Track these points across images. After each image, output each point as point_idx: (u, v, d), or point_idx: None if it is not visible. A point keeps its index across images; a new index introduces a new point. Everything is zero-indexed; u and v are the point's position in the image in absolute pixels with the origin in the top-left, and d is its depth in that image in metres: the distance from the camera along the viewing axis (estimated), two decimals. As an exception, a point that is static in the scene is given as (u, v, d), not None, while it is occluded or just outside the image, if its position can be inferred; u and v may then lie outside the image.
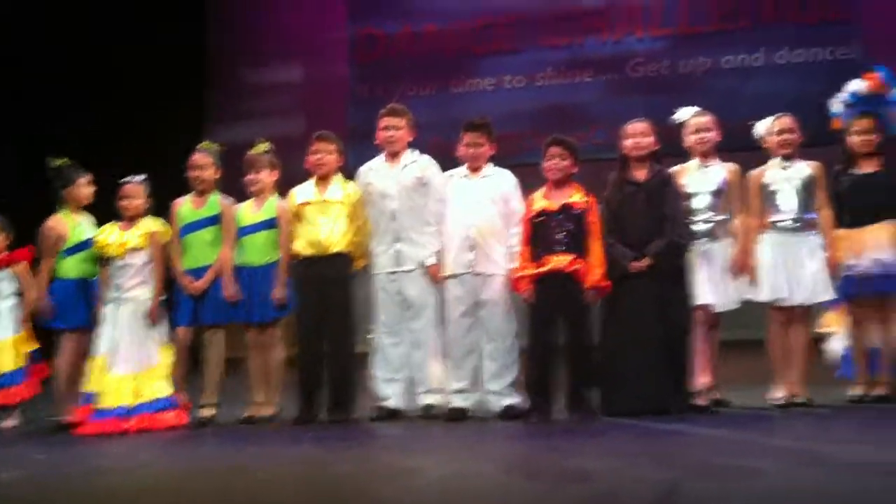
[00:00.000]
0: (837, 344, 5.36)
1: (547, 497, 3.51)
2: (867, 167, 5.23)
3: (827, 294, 5.16)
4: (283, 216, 5.57)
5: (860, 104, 5.32)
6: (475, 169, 5.40)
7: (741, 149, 5.52)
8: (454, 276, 5.33)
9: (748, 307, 5.32)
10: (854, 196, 5.19)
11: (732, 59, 9.36)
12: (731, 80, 9.27)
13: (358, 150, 7.38)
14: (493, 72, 9.90)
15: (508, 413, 5.19)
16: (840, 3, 9.16)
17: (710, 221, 5.25)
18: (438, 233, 5.37)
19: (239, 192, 5.71)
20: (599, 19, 9.69)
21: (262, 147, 5.74)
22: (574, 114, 9.53)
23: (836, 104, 5.38)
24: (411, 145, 5.62)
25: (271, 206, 5.62)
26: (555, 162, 5.17)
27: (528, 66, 9.83)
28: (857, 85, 5.35)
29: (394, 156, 5.54)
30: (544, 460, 4.27)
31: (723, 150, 5.50)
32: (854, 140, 5.24)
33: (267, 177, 5.66)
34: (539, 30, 9.82)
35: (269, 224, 5.59)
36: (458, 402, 5.30)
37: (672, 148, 5.47)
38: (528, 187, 5.34)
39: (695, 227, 5.23)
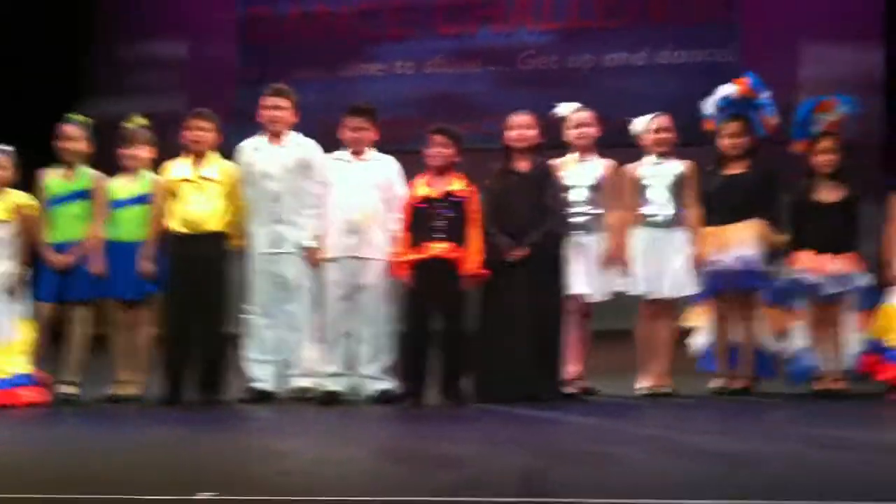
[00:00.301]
0: (701, 338, 5.54)
1: (415, 482, 3.53)
2: (736, 168, 5.41)
3: (691, 288, 5.32)
4: (157, 191, 5.42)
5: (731, 107, 5.49)
6: (358, 153, 5.37)
7: (623, 145, 5.64)
8: (334, 260, 5.29)
9: (620, 298, 5.44)
10: (722, 195, 5.36)
11: (617, 57, 9.57)
12: (615, 77, 9.48)
13: (243, 131, 7.25)
14: (383, 57, 9.87)
15: (382, 397, 5.20)
16: (720, 7, 9.47)
17: (586, 214, 5.35)
18: (319, 216, 5.32)
19: (108, 167, 5.53)
20: (492, 10, 9.76)
21: (140, 121, 5.59)
22: (464, 103, 9.59)
23: (709, 106, 5.55)
24: (298, 128, 5.55)
25: (146, 181, 5.47)
26: (437, 150, 5.18)
27: (419, 54, 9.83)
28: (727, 89, 5.52)
29: (276, 136, 5.46)
30: (415, 445, 4.29)
31: (604, 147, 5.61)
32: (724, 142, 5.41)
33: (144, 153, 5.50)
34: (431, 18, 9.84)
35: (143, 199, 5.45)
36: (332, 385, 5.28)
37: (556, 141, 5.54)
38: (414, 174, 5.33)
39: (571, 220, 5.32)
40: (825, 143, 5.29)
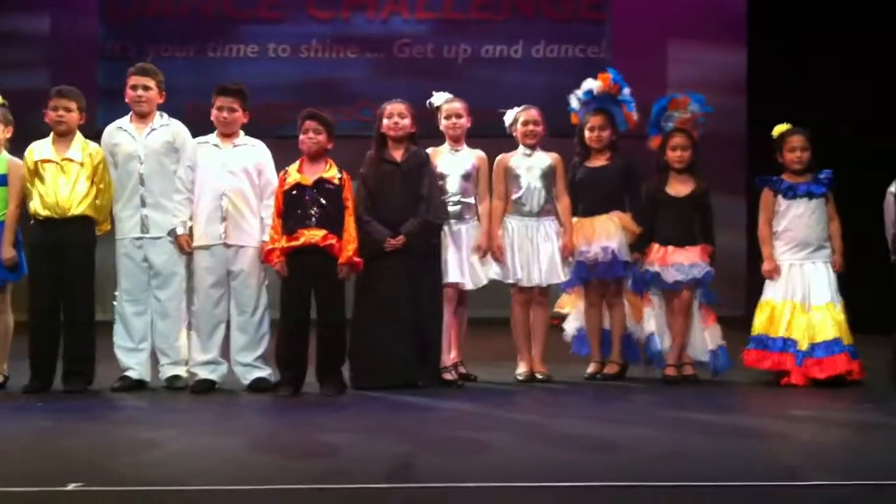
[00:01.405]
0: (571, 324, 5.68)
1: (286, 472, 3.51)
2: (599, 161, 5.58)
3: (561, 276, 5.46)
4: (13, 172, 5.19)
5: (594, 101, 5.64)
6: (227, 136, 5.27)
7: (497, 136, 5.72)
8: (204, 248, 5.18)
9: (496, 286, 5.53)
10: (587, 187, 5.53)
11: (492, 49, 9.68)
12: (490, 68, 9.59)
13: (107, 110, 7.02)
14: (255, 39, 9.68)
15: (257, 386, 5.13)
16: (592, 4, 9.69)
17: (459, 203, 5.42)
18: (189, 201, 5.20)
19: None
20: (364, -2, 9.69)
21: (-4, 100, 5.34)
22: (340, 89, 9.52)
23: (574, 101, 5.69)
24: (166, 109, 5.40)
25: (2, 161, 5.23)
26: (309, 136, 5.12)
27: (293, 38, 9.70)
28: (591, 84, 5.67)
29: (142, 117, 5.30)
30: (288, 434, 4.27)
31: (480, 137, 5.67)
32: (587, 135, 5.57)
33: (0, 132, 5.25)
34: (303, 1, 9.71)
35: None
36: (205, 373, 5.18)
37: (430, 130, 5.58)
38: (288, 160, 5.26)
39: (446, 209, 5.37)
40: (677, 140, 5.50)
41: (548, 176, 5.48)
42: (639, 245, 5.47)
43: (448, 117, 5.49)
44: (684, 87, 8.51)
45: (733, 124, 9.11)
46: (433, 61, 9.60)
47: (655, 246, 5.44)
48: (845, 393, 5.13)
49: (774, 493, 3.22)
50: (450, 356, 5.36)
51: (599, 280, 5.50)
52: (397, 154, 5.31)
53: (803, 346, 5.26)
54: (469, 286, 5.42)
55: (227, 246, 5.18)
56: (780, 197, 5.43)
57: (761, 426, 4.43)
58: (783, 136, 5.47)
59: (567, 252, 5.43)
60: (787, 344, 5.30)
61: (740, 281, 8.34)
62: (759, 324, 5.42)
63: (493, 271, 5.45)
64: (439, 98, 5.55)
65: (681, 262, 5.40)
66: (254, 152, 5.29)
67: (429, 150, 5.44)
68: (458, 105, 5.52)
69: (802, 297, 5.35)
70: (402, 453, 3.77)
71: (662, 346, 5.48)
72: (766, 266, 5.47)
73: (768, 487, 3.26)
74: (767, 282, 5.47)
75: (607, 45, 9.58)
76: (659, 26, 9.52)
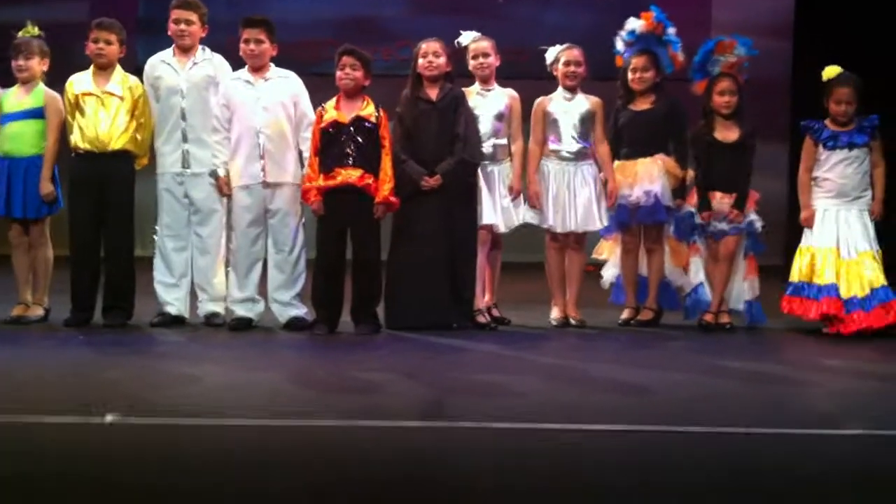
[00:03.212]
0: (610, 271, 5.64)
1: (321, 406, 3.57)
2: (643, 104, 5.46)
3: (599, 223, 5.40)
4: (51, 105, 5.22)
5: (638, 42, 5.51)
6: (258, 69, 5.23)
7: (537, 76, 5.64)
8: (244, 188, 5.20)
9: (533, 230, 5.51)
10: (630, 130, 5.43)
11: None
12: (531, 7, 9.42)
13: (147, 43, 7.00)
14: (294, -24, 9.57)
15: (293, 324, 5.18)
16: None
17: (493, 144, 5.37)
18: (227, 140, 5.20)
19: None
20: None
21: (33, 31, 5.34)
22: (379, 27, 9.41)
23: (619, 42, 5.58)
24: (207, 44, 5.39)
25: (39, 94, 5.25)
26: (346, 72, 5.08)
27: (331, -27, 9.58)
28: (634, 23, 5.54)
29: (185, 51, 5.29)
30: (324, 372, 4.32)
31: (519, 78, 5.59)
32: (630, 76, 5.46)
33: (37, 64, 5.26)
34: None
35: (36, 113, 5.22)
36: (242, 311, 5.23)
37: (466, 69, 5.51)
38: (326, 97, 5.22)
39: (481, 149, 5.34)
40: (724, 84, 5.38)
41: (587, 120, 5.40)
42: (683, 190, 5.40)
43: (475, 57, 5.41)
44: (729, 29, 8.35)
45: (778, 68, 8.91)
46: (471, 0, 9.44)
47: (702, 190, 5.33)
48: (882, 343, 5.08)
49: (807, 440, 3.22)
50: (483, 299, 5.36)
51: (639, 225, 5.43)
52: (433, 93, 5.27)
53: (848, 293, 5.18)
54: (502, 228, 5.40)
55: (266, 185, 5.19)
56: (820, 146, 5.34)
57: (795, 374, 4.42)
58: (831, 84, 5.31)
59: (612, 199, 5.36)
60: (827, 290, 5.21)
61: (781, 227, 8.23)
62: (797, 270, 5.36)
63: (528, 214, 5.41)
64: (466, 37, 5.46)
65: (725, 208, 5.31)
66: (287, 84, 5.26)
67: (462, 90, 5.38)
68: (485, 44, 5.43)
69: (840, 243, 5.26)
70: (435, 393, 3.82)
71: (707, 296, 5.38)
72: (804, 214, 5.39)
73: (801, 435, 3.26)
74: (806, 229, 5.40)
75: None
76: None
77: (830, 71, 5.34)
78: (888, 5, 7.99)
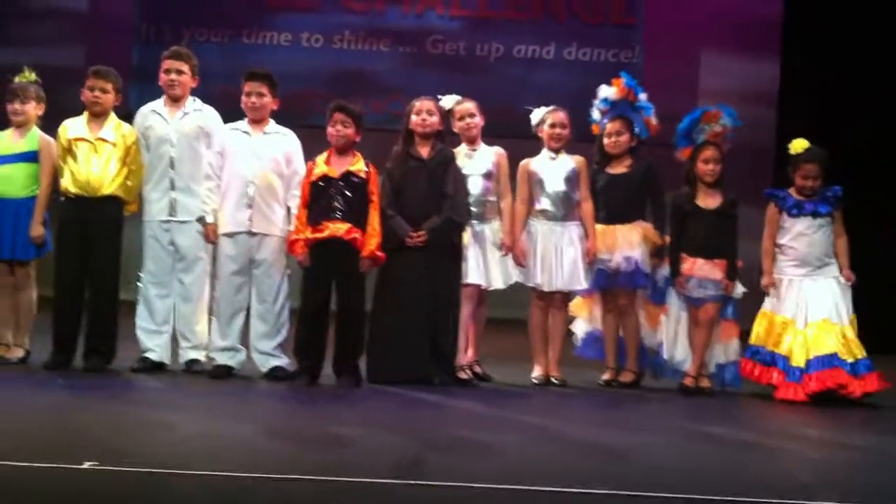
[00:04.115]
0: (580, 327, 5.68)
1: (297, 461, 3.55)
2: (619, 167, 5.58)
3: (582, 283, 5.47)
4: (45, 150, 5.27)
5: (613, 108, 5.64)
6: (257, 122, 5.30)
7: (525, 136, 5.72)
8: (229, 235, 5.23)
9: (519, 286, 5.54)
10: (608, 194, 5.53)
11: (524, 49, 9.66)
12: (521, 68, 9.57)
13: (140, 91, 7.07)
14: (289, 27, 9.71)
15: (274, 374, 5.18)
16: (624, 8, 9.66)
17: (482, 203, 5.43)
18: (218, 188, 5.25)
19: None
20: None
21: (30, 76, 5.41)
22: (371, 81, 9.54)
23: (594, 111, 5.69)
24: (199, 94, 5.46)
25: (34, 138, 5.31)
26: (337, 129, 5.16)
27: (326, 27, 9.72)
28: (607, 91, 5.67)
29: (175, 101, 5.36)
30: (302, 424, 4.31)
31: (506, 137, 5.67)
32: (606, 141, 5.58)
33: (33, 109, 5.33)
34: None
35: (29, 157, 5.28)
36: (224, 359, 5.23)
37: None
38: (317, 149, 5.29)
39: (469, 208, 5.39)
40: (708, 153, 5.49)
41: (572, 180, 5.48)
42: (661, 254, 5.48)
43: (462, 118, 5.50)
44: (716, 95, 8.56)
45: (762, 135, 9.02)
46: (465, 58, 9.58)
47: (685, 257, 5.43)
48: (861, 413, 5.11)
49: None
50: (466, 355, 5.38)
51: (619, 289, 5.50)
52: (424, 151, 5.33)
53: (798, 361, 5.25)
54: (489, 286, 5.44)
55: (252, 234, 5.22)
56: (784, 214, 5.43)
57: (773, 442, 4.42)
58: (799, 159, 5.43)
59: (591, 257, 5.43)
60: (778, 359, 5.32)
61: (762, 294, 8.30)
62: (756, 334, 5.46)
63: (514, 274, 5.47)
64: (449, 101, 5.53)
65: (709, 275, 5.39)
66: (283, 141, 5.33)
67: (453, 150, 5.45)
68: (469, 105, 5.52)
69: (798, 313, 5.34)
70: (413, 450, 3.81)
71: (675, 356, 5.48)
72: (764, 280, 5.48)
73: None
74: (770, 294, 5.48)
75: (640, 50, 9.54)
76: (692, 33, 9.46)
77: (798, 145, 5.47)
78: (870, 76, 8.15)
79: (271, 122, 5.36)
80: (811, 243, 5.40)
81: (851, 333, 5.33)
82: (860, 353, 5.29)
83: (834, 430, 4.73)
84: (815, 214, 5.41)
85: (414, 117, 5.33)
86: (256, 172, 5.22)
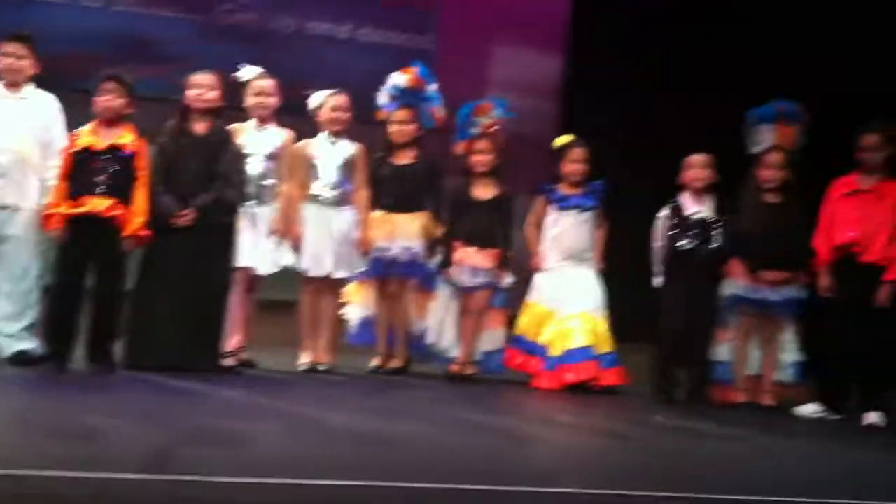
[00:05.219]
0: (355, 312, 5.67)
1: (37, 456, 3.32)
2: (404, 157, 5.60)
3: (355, 268, 5.45)
4: None
5: (401, 97, 5.64)
6: (13, 85, 4.93)
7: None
8: (-22, 206, 4.85)
9: (288, 271, 5.45)
10: (391, 183, 5.53)
11: (319, 27, 9.50)
12: (316, 46, 9.41)
13: None
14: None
15: (20, 358, 4.84)
16: (423, -7, 9.69)
17: (261, 184, 5.30)
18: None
19: None
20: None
21: None
22: (155, 48, 9.09)
23: (382, 96, 5.67)
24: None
25: None
26: (107, 98, 4.88)
27: (108, -12, 9.19)
28: (398, 78, 5.67)
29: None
30: (47, 414, 4.04)
31: (298, 115, 5.54)
32: (393, 130, 5.58)
33: None
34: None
35: None
36: (-34, 342, 4.86)
37: (237, 103, 5.41)
38: (90, 115, 4.98)
39: (246, 189, 5.24)
40: (481, 144, 5.61)
41: (349, 165, 5.44)
42: (437, 244, 5.53)
43: (257, 95, 5.34)
44: (505, 87, 8.76)
45: (546, 127, 9.32)
46: (256, 31, 9.32)
47: (457, 246, 5.50)
48: (610, 401, 5.36)
49: (522, 498, 3.31)
50: (233, 341, 5.24)
51: (395, 277, 5.52)
52: (200, 127, 5.14)
53: (555, 351, 5.46)
54: (261, 271, 5.31)
55: (2, 207, 4.85)
56: (551, 206, 5.62)
57: (526, 429, 4.57)
58: (566, 147, 5.67)
59: (363, 246, 5.41)
60: (537, 348, 5.51)
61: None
62: (520, 324, 5.64)
63: (286, 258, 5.36)
64: (248, 72, 5.39)
65: (480, 264, 5.49)
66: (42, 106, 4.99)
67: (233, 126, 5.28)
68: (267, 83, 5.38)
69: (560, 304, 5.55)
70: (164, 442, 3.65)
71: (441, 342, 5.56)
72: (533, 261, 5.67)
73: (517, 493, 3.35)
74: (533, 285, 5.65)
75: (434, 36, 9.59)
76: (486, 23, 9.61)
77: (564, 139, 5.72)
78: (650, 74, 8.55)
79: (30, 86, 5.00)
80: (575, 236, 5.63)
81: (604, 327, 5.58)
82: (609, 346, 5.56)
83: (587, 416, 4.93)
84: (580, 208, 5.63)
85: (190, 91, 5.12)
86: (9, 139, 4.86)
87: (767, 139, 5.53)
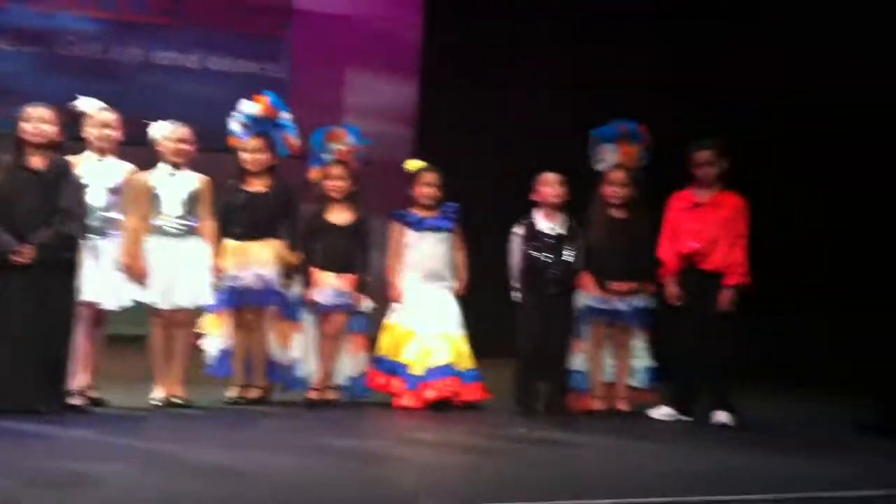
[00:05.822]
0: (212, 345, 5.55)
1: None
2: (257, 185, 5.55)
3: (206, 299, 5.34)
4: None
5: (255, 125, 5.59)
6: None
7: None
8: None
9: (136, 304, 5.30)
10: (244, 211, 5.47)
11: (166, 56, 9.32)
12: (163, 76, 9.22)
13: None
14: None
15: None
16: (273, 21, 9.62)
17: (103, 217, 5.14)
18: None
19: None
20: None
21: None
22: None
23: (234, 124, 5.61)
24: None
25: None
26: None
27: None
28: (250, 107, 5.62)
29: None
30: None
31: (139, 145, 5.42)
32: (246, 158, 5.53)
33: None
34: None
35: None
36: None
37: (74, 135, 5.24)
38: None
39: (88, 223, 5.07)
40: (336, 170, 5.63)
41: (193, 198, 5.33)
42: (294, 272, 5.49)
43: (102, 127, 5.20)
44: (360, 114, 8.81)
45: (402, 153, 9.39)
46: (101, 62, 9.07)
47: (314, 270, 5.48)
48: (474, 416, 5.42)
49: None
50: (80, 379, 5.04)
51: (250, 306, 5.45)
52: (37, 162, 4.95)
53: (417, 370, 5.51)
54: (107, 306, 5.14)
55: None
56: (408, 229, 5.69)
57: (389, 450, 4.56)
58: (420, 172, 5.76)
59: (215, 275, 5.32)
60: (398, 368, 5.56)
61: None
62: (381, 345, 5.68)
63: (134, 292, 5.21)
64: (88, 105, 5.23)
65: (336, 287, 5.48)
66: None
67: (70, 158, 5.11)
68: (110, 116, 5.24)
69: (420, 324, 5.62)
70: (8, 486, 3.48)
71: (307, 369, 5.52)
72: (392, 294, 5.72)
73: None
74: (393, 306, 5.72)
75: (287, 64, 9.55)
76: (339, 51, 9.63)
77: (414, 164, 5.84)
78: (503, 99, 8.74)
79: None
80: (433, 257, 5.70)
81: (464, 345, 5.65)
82: (470, 363, 5.64)
83: (448, 433, 4.97)
84: (436, 229, 5.70)
85: (25, 125, 4.93)
86: None
87: (611, 158, 5.74)
